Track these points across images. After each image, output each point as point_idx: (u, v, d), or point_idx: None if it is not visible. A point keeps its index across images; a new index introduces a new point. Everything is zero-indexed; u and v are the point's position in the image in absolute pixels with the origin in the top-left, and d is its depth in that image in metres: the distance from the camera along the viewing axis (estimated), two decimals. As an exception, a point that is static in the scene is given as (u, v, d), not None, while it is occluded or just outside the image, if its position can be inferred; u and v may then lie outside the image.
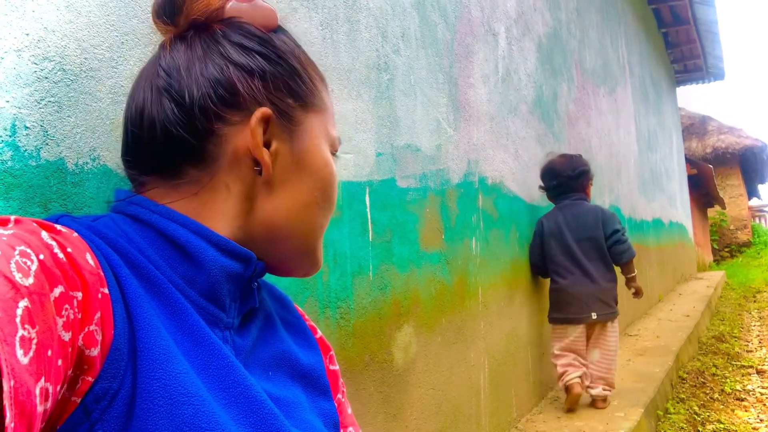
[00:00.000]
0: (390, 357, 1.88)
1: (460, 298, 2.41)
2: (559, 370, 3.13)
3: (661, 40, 10.03)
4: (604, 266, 3.26)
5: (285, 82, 0.73)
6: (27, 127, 0.91)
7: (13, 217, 0.56)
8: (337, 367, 0.91)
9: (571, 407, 3.10)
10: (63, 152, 0.95)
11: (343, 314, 1.68)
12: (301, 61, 0.76)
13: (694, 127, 17.12)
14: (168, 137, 0.69)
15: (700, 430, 3.42)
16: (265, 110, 0.70)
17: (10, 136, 0.88)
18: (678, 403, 3.75)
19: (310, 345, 0.84)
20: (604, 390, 3.16)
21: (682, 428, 3.33)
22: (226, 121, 0.69)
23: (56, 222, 0.63)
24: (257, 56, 0.72)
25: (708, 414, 3.65)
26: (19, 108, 0.90)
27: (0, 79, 0.87)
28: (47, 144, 0.93)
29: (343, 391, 0.91)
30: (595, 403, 3.17)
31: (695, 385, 4.21)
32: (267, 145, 0.71)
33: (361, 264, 1.77)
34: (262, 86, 0.71)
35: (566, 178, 3.35)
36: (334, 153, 0.78)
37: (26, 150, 0.90)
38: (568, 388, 3.09)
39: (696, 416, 3.58)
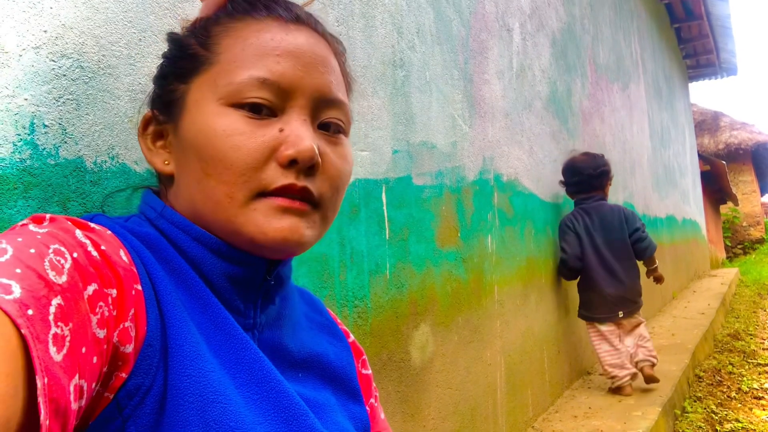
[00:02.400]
0: (407, 356, 1.86)
1: (476, 296, 2.39)
2: (610, 371, 3.35)
3: (674, 35, 9.95)
4: (630, 265, 3.48)
5: (167, 68, 0.74)
6: (45, 125, 0.90)
7: (48, 216, 0.57)
8: (369, 372, 0.89)
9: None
10: (81, 150, 0.94)
11: (360, 313, 1.66)
12: (195, 27, 0.73)
13: (706, 123, 16.99)
14: None
15: (718, 429, 3.38)
16: (146, 114, 0.75)
17: (28, 135, 0.87)
18: (695, 401, 3.71)
19: (342, 348, 0.83)
20: (646, 358, 3.40)
21: (700, 427, 3.30)
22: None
23: (91, 220, 0.64)
24: (159, 65, 0.76)
25: (726, 413, 3.61)
26: (38, 106, 0.89)
27: (18, 77, 0.86)
28: (66, 142, 0.92)
29: (375, 396, 0.89)
30: (644, 370, 3.39)
31: (712, 384, 4.17)
32: (165, 143, 0.73)
33: (378, 262, 1.76)
34: (154, 89, 0.76)
35: (587, 176, 3.48)
36: (239, 101, 0.66)
37: (45, 148, 0.89)
38: (620, 388, 3.32)
39: (714, 415, 3.54)
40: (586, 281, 3.45)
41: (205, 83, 0.68)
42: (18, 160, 0.85)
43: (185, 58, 0.71)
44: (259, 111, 0.66)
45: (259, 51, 0.67)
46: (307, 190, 0.66)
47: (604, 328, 3.39)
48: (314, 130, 0.69)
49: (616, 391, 3.34)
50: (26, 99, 0.87)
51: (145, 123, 0.75)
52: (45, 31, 0.91)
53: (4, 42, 0.85)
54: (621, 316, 3.37)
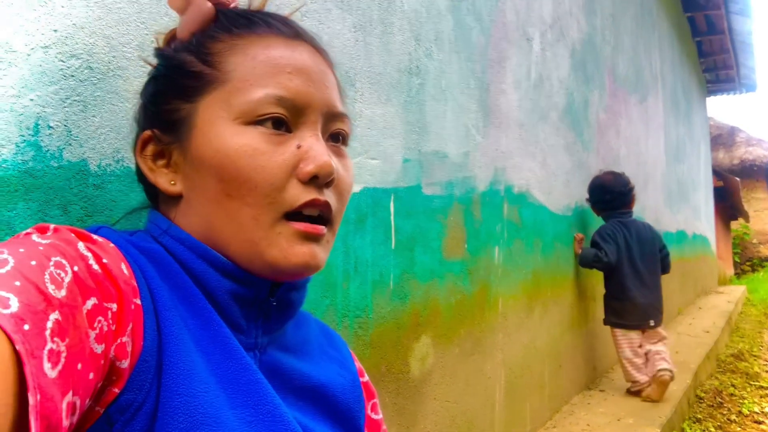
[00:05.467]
0: (406, 368, 1.84)
1: (480, 308, 2.37)
2: (633, 375, 3.59)
3: (695, 49, 9.86)
4: (658, 277, 3.80)
5: (164, 87, 0.73)
6: (50, 127, 0.88)
7: (52, 226, 0.57)
8: (380, 417, 0.88)
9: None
10: (86, 153, 0.93)
11: (362, 324, 1.64)
12: (190, 44, 0.72)
13: (722, 138, 16.86)
14: None
15: (716, 452, 3.35)
16: (144, 134, 0.73)
17: (32, 136, 0.86)
18: (694, 423, 3.68)
19: (351, 383, 0.81)
20: (666, 371, 3.52)
21: (698, 450, 3.26)
22: None
23: (95, 233, 0.64)
24: (150, 81, 0.76)
25: (724, 436, 3.57)
26: (44, 107, 0.87)
27: (25, 77, 0.85)
28: (70, 144, 0.91)
29: None
30: (661, 378, 3.52)
31: (713, 405, 4.13)
32: (169, 162, 0.72)
33: (382, 273, 1.74)
34: (145, 107, 0.75)
35: (618, 194, 3.75)
36: (256, 119, 0.66)
37: (48, 150, 0.88)
38: (639, 392, 3.56)
39: (712, 438, 3.51)
40: (619, 290, 3.67)
41: (216, 102, 0.67)
42: (20, 161, 0.84)
43: (186, 76, 0.70)
44: (280, 126, 0.66)
45: (271, 69, 0.67)
46: (329, 204, 0.67)
47: (633, 335, 3.64)
48: (326, 144, 0.70)
49: (636, 393, 3.59)
50: (32, 99, 0.86)
51: (144, 143, 0.73)
52: (55, 31, 0.89)
53: (12, 41, 0.84)
54: (652, 324, 3.66)
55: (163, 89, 0.73)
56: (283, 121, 0.66)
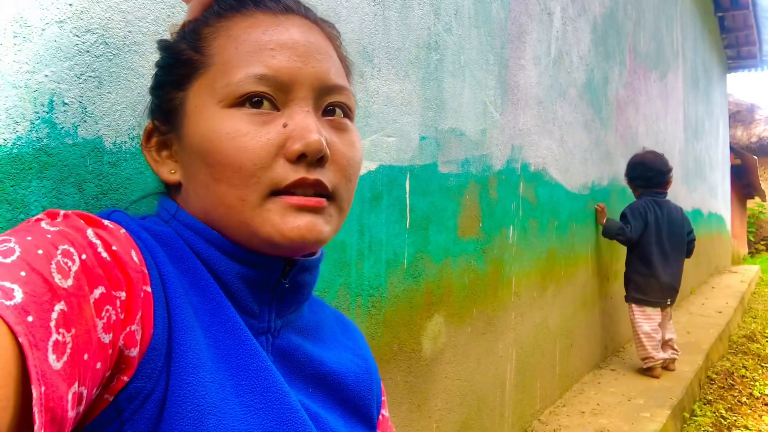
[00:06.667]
0: (419, 347, 1.84)
1: (493, 287, 2.36)
2: (649, 351, 3.65)
3: (716, 24, 9.67)
4: (681, 259, 3.90)
5: (163, 77, 0.72)
6: (65, 103, 0.87)
7: (62, 212, 0.56)
8: (387, 414, 0.88)
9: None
10: (101, 130, 0.92)
11: (375, 303, 1.64)
12: (185, 31, 0.71)
13: (740, 115, 16.63)
14: None
15: (726, 434, 3.35)
16: (147, 126, 0.73)
17: (47, 113, 0.84)
18: (705, 404, 3.68)
19: (365, 373, 0.81)
20: (674, 354, 3.81)
21: (708, 432, 3.27)
22: None
23: (108, 217, 0.63)
24: (154, 73, 0.75)
25: (735, 418, 3.57)
26: (58, 83, 0.85)
27: (40, 52, 0.83)
28: (85, 121, 0.89)
29: None
30: (669, 366, 3.79)
31: (723, 387, 4.12)
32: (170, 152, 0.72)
33: (396, 251, 1.72)
34: (151, 99, 0.75)
35: (658, 173, 3.86)
36: (237, 100, 0.64)
37: (63, 127, 0.86)
38: (651, 369, 3.66)
39: (722, 420, 3.50)
40: (645, 266, 3.75)
41: (202, 88, 0.66)
42: (35, 138, 0.83)
43: (179, 65, 0.69)
44: (260, 105, 0.64)
45: (253, 47, 0.65)
46: (320, 182, 0.64)
47: (652, 311, 3.73)
48: (319, 119, 0.67)
49: (647, 371, 3.66)
50: (47, 75, 0.84)
51: (148, 134, 0.73)
52: (70, 5, 0.87)
53: (27, 15, 0.82)
54: (669, 303, 3.79)
55: (161, 80, 0.72)
56: (266, 99, 0.64)
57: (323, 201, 0.65)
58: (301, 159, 0.63)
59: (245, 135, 0.62)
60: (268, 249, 0.65)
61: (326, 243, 0.68)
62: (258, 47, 0.65)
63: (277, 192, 0.63)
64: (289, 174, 0.63)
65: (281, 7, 0.69)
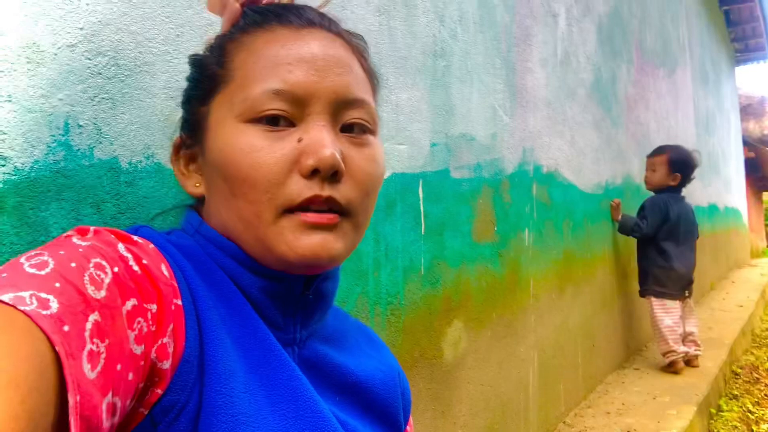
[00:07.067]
0: (439, 353, 1.84)
1: (511, 291, 2.35)
2: (671, 345, 3.64)
3: (722, 18, 9.63)
4: (694, 253, 3.94)
5: (190, 92, 0.73)
6: (80, 126, 0.88)
7: (92, 228, 0.57)
8: (411, 427, 0.88)
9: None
10: (116, 150, 0.93)
11: (394, 311, 1.64)
12: (212, 46, 0.72)
13: (752, 108, 16.47)
14: None
15: (754, 429, 3.31)
16: (176, 139, 0.75)
17: (63, 135, 0.86)
18: (731, 399, 3.64)
19: (392, 379, 0.81)
20: (696, 350, 3.80)
21: (736, 427, 3.23)
22: None
23: (135, 233, 0.64)
24: (188, 84, 0.76)
25: (762, 412, 3.52)
26: (73, 106, 0.87)
27: (53, 77, 0.85)
28: (100, 142, 0.91)
29: None
30: (692, 362, 3.76)
31: (749, 381, 4.08)
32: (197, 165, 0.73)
33: (412, 258, 1.73)
34: (182, 115, 0.76)
35: (692, 175, 3.91)
36: (255, 116, 0.64)
37: (79, 149, 0.88)
38: (673, 363, 3.64)
39: (750, 414, 3.46)
40: (664, 259, 3.76)
41: (223, 102, 0.67)
42: (52, 161, 0.84)
43: (204, 80, 0.70)
44: (276, 122, 0.64)
45: (271, 62, 0.65)
46: (333, 199, 0.64)
47: (672, 304, 3.73)
48: (336, 134, 0.66)
49: (669, 366, 3.64)
50: (61, 99, 0.86)
51: (177, 148, 0.75)
52: (81, 29, 0.89)
53: (40, 40, 0.83)
54: (687, 294, 3.82)
55: (189, 94, 0.73)
56: (281, 116, 0.64)
57: (336, 217, 0.64)
58: (314, 174, 0.63)
59: (260, 150, 0.63)
60: (283, 267, 0.65)
61: (342, 260, 0.68)
62: (276, 62, 0.65)
63: (291, 209, 0.63)
64: (303, 190, 0.62)
65: (304, 21, 0.69)
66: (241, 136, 0.64)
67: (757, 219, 14.89)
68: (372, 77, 0.75)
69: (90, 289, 0.48)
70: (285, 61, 0.65)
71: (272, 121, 0.64)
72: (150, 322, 0.53)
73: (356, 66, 0.70)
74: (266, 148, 0.63)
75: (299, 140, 0.64)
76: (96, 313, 0.47)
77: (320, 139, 0.63)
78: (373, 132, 0.71)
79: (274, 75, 0.64)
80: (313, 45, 0.67)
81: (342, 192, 0.65)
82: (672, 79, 5.62)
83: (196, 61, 0.74)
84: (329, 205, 0.64)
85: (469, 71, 2.09)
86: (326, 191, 0.63)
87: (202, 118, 0.70)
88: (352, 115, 0.68)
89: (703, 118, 7.17)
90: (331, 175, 0.63)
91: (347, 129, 0.68)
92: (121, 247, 0.56)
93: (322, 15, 0.72)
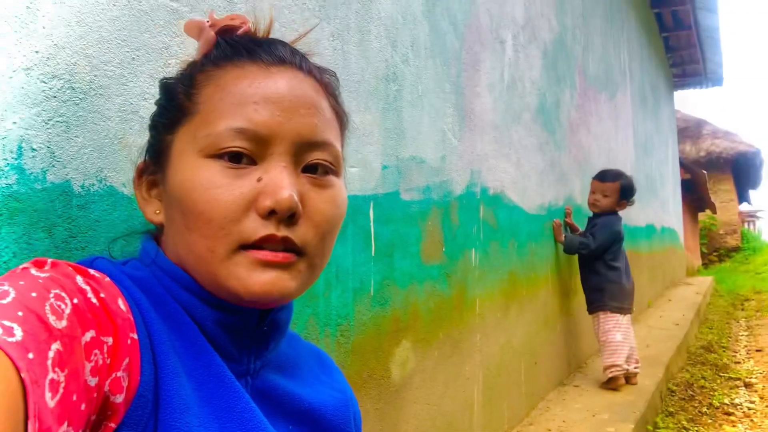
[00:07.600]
0: (387, 373, 1.86)
1: (458, 310, 2.39)
2: (618, 360, 3.69)
3: (662, 44, 10.01)
4: (629, 269, 4.08)
5: (158, 118, 0.73)
6: (34, 149, 0.87)
7: (49, 260, 0.58)
8: None
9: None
10: (69, 174, 0.92)
11: (343, 332, 1.65)
12: (183, 74, 0.72)
13: (689, 130, 17.12)
14: None
15: (689, 445, 3.42)
16: (140, 163, 0.75)
17: (15, 159, 0.85)
18: (667, 416, 3.75)
19: (344, 407, 0.82)
20: (636, 368, 3.87)
21: (671, 443, 3.33)
22: None
23: (91, 264, 0.64)
24: (156, 109, 0.76)
25: (697, 428, 3.65)
26: (27, 129, 0.86)
27: (8, 100, 0.84)
28: (53, 166, 0.90)
29: None
30: (630, 379, 3.81)
31: (684, 398, 4.21)
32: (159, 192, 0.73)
33: (362, 280, 1.75)
34: (149, 138, 0.75)
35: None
36: (217, 152, 0.64)
37: (32, 173, 0.87)
38: (614, 379, 3.69)
39: (684, 431, 3.58)
40: (616, 276, 3.89)
41: (187, 134, 0.67)
42: (4, 185, 0.83)
43: (172, 108, 0.70)
44: (238, 160, 0.64)
45: (237, 100, 0.65)
46: (288, 240, 0.64)
47: (624, 320, 3.84)
48: (297, 175, 0.66)
49: (609, 382, 3.70)
50: (15, 122, 0.85)
51: (140, 172, 0.74)
52: (36, 52, 0.89)
53: (-6, 64, 0.83)
54: (632, 308, 3.99)
55: (155, 120, 0.73)
56: (243, 154, 0.64)
57: (291, 256, 0.65)
58: (272, 215, 0.63)
59: (218, 187, 0.63)
60: (234, 301, 0.65)
61: (294, 298, 0.68)
62: (242, 100, 0.65)
63: (245, 246, 0.63)
64: (259, 229, 0.62)
65: (275, 58, 0.68)
66: (201, 171, 0.64)
67: (692, 239, 15.42)
68: (340, 116, 0.75)
69: (51, 319, 0.48)
70: (251, 99, 0.65)
71: (234, 158, 0.64)
72: (105, 355, 0.53)
73: (324, 105, 0.70)
74: (225, 186, 0.63)
75: (259, 179, 0.64)
76: (58, 342, 0.47)
77: (279, 181, 0.63)
78: (336, 173, 0.71)
79: (239, 113, 0.64)
80: (281, 84, 0.66)
81: (298, 233, 0.65)
82: (613, 102, 5.81)
83: (166, 87, 0.73)
84: (285, 245, 0.64)
85: (420, 95, 2.13)
86: (282, 232, 0.63)
87: (166, 147, 0.69)
88: (316, 156, 0.68)
89: (642, 141, 7.42)
90: (288, 216, 0.63)
91: (310, 169, 0.68)
92: (79, 279, 0.56)
93: (294, 52, 0.71)
